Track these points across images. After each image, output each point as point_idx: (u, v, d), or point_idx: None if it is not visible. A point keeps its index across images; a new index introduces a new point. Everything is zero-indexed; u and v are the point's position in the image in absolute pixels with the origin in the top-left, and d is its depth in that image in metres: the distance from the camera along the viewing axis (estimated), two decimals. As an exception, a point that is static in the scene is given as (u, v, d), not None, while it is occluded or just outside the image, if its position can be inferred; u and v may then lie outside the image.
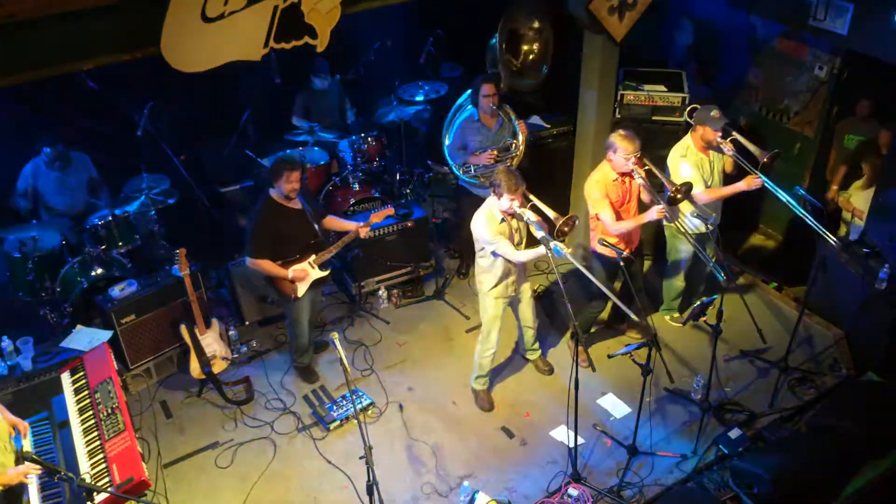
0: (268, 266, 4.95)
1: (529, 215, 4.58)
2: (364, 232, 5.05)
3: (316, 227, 5.02)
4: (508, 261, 4.77)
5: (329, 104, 7.19)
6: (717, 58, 7.14)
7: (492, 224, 4.68)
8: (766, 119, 6.85)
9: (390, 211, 5.15)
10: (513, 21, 5.99)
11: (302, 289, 5.06)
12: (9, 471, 3.61)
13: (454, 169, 5.93)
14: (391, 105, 7.25)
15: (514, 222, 4.79)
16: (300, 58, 6.46)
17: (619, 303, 4.55)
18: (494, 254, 4.77)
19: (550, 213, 4.59)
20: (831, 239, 4.84)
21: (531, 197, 4.68)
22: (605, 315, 5.89)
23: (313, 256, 5.00)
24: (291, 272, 4.97)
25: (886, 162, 5.79)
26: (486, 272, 4.91)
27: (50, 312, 5.66)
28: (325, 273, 5.12)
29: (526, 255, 4.70)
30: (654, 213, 4.91)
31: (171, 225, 6.46)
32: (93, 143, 6.34)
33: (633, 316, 4.49)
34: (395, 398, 5.44)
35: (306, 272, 5.00)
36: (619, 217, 5.06)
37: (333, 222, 5.24)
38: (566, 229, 4.49)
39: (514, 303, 5.18)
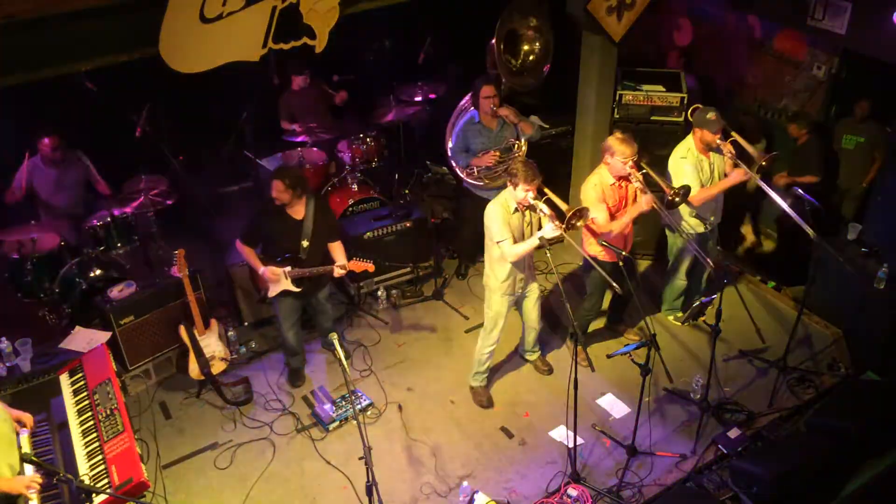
0: (247, 254, 5.09)
1: (543, 207, 4.59)
2: (338, 273, 5.04)
3: (304, 242, 4.98)
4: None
5: (310, 103, 7.09)
6: (715, 57, 7.14)
7: (504, 213, 4.68)
8: (763, 118, 6.85)
9: (370, 267, 5.05)
10: (510, 21, 5.97)
11: (273, 290, 5.10)
12: (13, 479, 3.59)
13: (458, 171, 5.93)
14: (389, 105, 7.24)
15: (527, 215, 4.79)
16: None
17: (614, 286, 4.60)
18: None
19: (563, 206, 4.62)
20: (813, 236, 4.81)
21: (546, 191, 4.68)
22: (603, 318, 5.90)
23: (289, 268, 5.01)
24: (263, 270, 5.03)
25: (885, 161, 5.81)
26: (497, 266, 4.90)
27: (49, 314, 5.66)
28: (297, 290, 5.09)
29: (520, 247, 4.70)
30: (644, 202, 4.89)
31: (170, 226, 6.46)
32: (91, 143, 6.33)
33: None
34: (394, 399, 5.43)
35: (278, 278, 5.02)
36: None
37: (335, 249, 5.16)
38: (574, 221, 4.51)
39: (519, 301, 5.17)
